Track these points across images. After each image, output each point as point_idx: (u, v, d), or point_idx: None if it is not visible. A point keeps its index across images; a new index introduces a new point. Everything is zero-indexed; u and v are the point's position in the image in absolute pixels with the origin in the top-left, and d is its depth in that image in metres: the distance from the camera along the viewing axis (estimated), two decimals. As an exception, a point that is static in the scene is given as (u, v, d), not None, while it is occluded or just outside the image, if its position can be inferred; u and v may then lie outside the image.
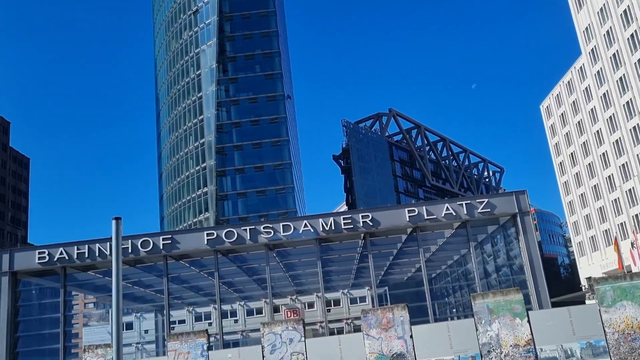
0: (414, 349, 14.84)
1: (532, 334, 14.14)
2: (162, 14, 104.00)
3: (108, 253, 30.32)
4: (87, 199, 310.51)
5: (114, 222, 11.01)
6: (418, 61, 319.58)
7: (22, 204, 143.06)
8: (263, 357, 15.86)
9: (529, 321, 14.26)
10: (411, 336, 14.95)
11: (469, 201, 30.74)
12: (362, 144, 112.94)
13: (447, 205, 30.59)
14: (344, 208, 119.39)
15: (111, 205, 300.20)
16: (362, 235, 31.33)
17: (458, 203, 30.68)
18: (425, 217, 30.23)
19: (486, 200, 30.65)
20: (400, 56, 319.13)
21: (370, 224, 29.92)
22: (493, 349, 14.26)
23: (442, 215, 30.35)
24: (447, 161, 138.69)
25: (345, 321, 59.20)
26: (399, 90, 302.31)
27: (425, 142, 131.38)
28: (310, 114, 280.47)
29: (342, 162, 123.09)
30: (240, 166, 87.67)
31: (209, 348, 16.47)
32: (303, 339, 15.73)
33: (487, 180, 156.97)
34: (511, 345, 14.13)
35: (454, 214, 30.38)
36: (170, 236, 30.45)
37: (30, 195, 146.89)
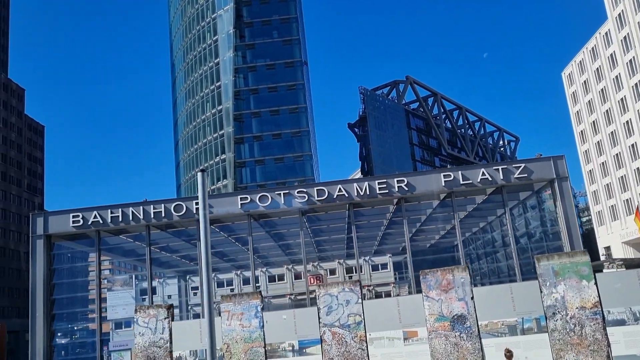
0: (475, 310, 14.63)
1: (599, 296, 13.86)
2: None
3: (141, 217, 30.28)
4: (102, 167, 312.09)
5: (199, 174, 10.71)
6: (436, 28, 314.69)
7: (37, 171, 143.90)
8: (319, 318, 15.73)
9: (595, 283, 13.97)
10: (472, 298, 14.72)
11: (505, 166, 30.27)
12: (379, 112, 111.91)
13: (483, 170, 30.15)
14: (358, 176, 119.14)
15: (127, 173, 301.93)
16: (395, 200, 31.05)
17: (494, 168, 30.22)
18: (461, 182, 29.83)
19: (523, 165, 30.16)
20: (417, 23, 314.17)
21: (406, 188, 29.59)
22: (558, 311, 14.01)
23: (478, 180, 29.94)
24: (462, 130, 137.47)
25: (367, 288, 59.45)
26: (416, 58, 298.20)
27: (442, 110, 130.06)
28: (322, 81, 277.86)
29: (357, 130, 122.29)
30: (258, 133, 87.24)
31: (262, 309, 16.38)
32: (360, 300, 15.56)
33: (501, 149, 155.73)
34: (577, 308, 13.86)
35: (490, 179, 29.95)
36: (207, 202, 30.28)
37: (45, 163, 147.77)
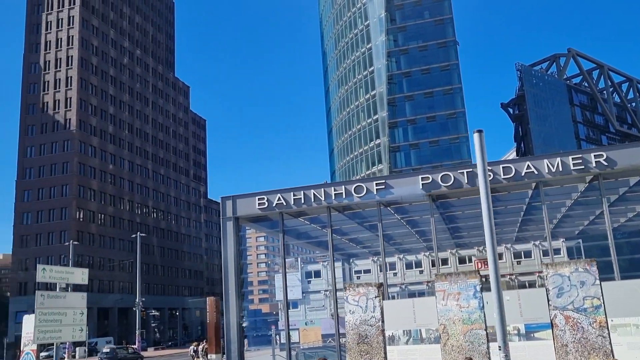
0: None
1: None
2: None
3: (323, 198, 30.76)
4: (258, 157, 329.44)
5: (476, 135, 10.10)
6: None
7: (201, 162, 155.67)
8: (549, 301, 14.54)
9: None
10: None
11: None
12: (538, 89, 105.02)
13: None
14: (512, 156, 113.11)
15: (281, 162, 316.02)
16: (589, 178, 28.36)
17: None
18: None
19: None
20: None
21: (605, 164, 26.85)
22: None
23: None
24: (633, 103, 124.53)
25: (537, 275, 56.05)
26: (578, 28, 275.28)
27: (609, 84, 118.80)
28: (472, 60, 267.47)
29: (510, 110, 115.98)
30: (411, 117, 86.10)
31: (482, 290, 15.52)
32: (598, 282, 14.10)
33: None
34: None
35: None
36: (383, 181, 30.02)
37: (207, 154, 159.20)
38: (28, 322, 20.82)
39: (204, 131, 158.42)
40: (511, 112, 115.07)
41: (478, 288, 15.46)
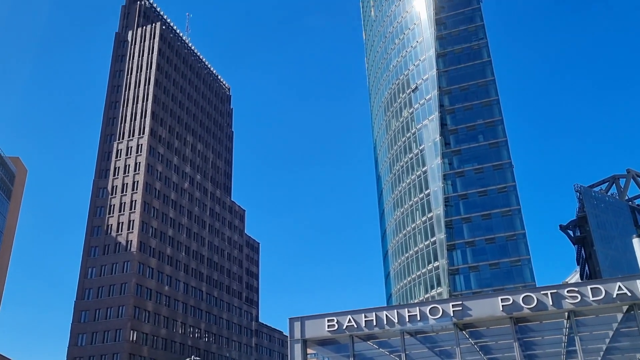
0: None
1: None
2: (380, 98, 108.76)
3: (396, 321, 29.56)
4: (310, 280, 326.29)
5: (636, 240, 9.52)
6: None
7: (254, 285, 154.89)
8: None
9: None
10: None
11: None
12: (599, 210, 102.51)
13: None
14: (575, 279, 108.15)
15: (333, 286, 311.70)
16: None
17: None
18: None
19: None
20: (627, 110, 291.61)
21: None
22: None
23: None
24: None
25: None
26: (633, 148, 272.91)
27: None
28: (527, 181, 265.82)
29: (571, 232, 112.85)
30: (470, 239, 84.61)
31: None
32: None
33: None
34: None
35: None
36: (460, 302, 28.75)
37: (260, 277, 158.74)
38: None
39: (257, 254, 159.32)
40: (572, 234, 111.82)
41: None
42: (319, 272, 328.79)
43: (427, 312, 29.08)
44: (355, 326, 30.32)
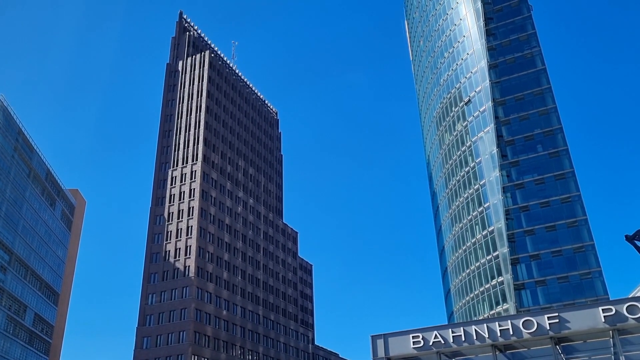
0: None
1: None
2: (431, 113, 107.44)
3: (486, 335, 28.19)
4: (364, 301, 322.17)
5: None
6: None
7: (309, 308, 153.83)
8: None
9: None
10: None
11: None
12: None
13: None
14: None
15: (387, 306, 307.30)
16: None
17: None
18: None
19: None
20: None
21: None
22: None
23: None
24: None
25: None
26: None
27: None
28: (592, 190, 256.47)
29: (638, 242, 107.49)
30: (534, 252, 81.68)
31: None
32: None
33: None
34: None
35: None
36: (557, 314, 27.21)
37: (314, 299, 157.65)
38: None
39: (310, 276, 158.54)
40: (638, 245, 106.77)
41: None
42: (374, 293, 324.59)
43: (520, 326, 27.64)
44: (443, 342, 29.10)
